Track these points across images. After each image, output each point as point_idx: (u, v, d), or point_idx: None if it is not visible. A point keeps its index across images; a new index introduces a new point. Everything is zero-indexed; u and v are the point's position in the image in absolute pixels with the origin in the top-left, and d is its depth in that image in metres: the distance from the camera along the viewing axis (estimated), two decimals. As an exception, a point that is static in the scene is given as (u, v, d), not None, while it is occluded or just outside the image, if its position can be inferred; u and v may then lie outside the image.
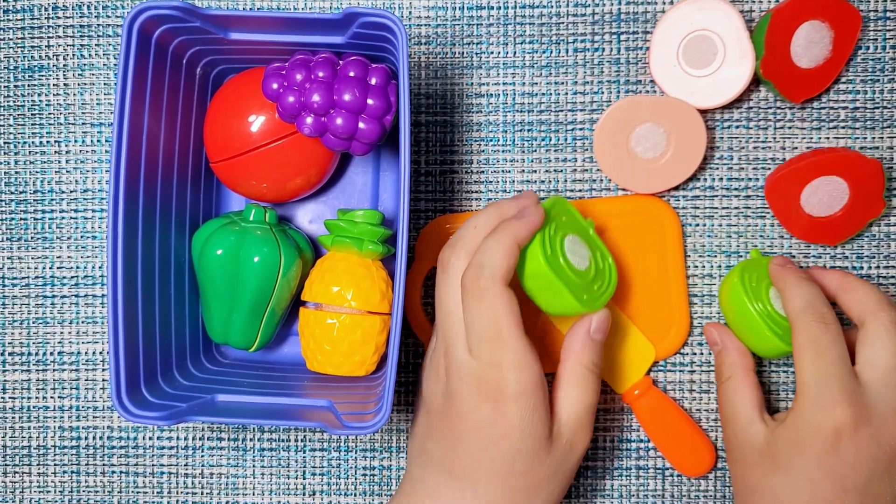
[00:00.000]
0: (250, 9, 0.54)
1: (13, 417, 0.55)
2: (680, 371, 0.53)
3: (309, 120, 0.45)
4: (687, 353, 0.53)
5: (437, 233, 0.53)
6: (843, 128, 0.52)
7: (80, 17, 0.54)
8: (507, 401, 0.42)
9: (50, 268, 0.54)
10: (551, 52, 0.53)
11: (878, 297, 0.46)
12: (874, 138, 0.52)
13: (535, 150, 0.53)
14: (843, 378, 0.44)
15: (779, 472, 0.45)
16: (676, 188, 0.53)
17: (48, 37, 0.54)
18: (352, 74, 0.45)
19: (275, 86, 0.46)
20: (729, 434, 0.48)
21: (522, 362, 0.42)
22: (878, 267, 0.53)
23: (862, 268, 0.53)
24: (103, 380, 0.55)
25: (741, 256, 0.53)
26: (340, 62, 0.46)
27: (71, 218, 0.54)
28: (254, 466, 0.54)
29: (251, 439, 0.54)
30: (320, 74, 0.45)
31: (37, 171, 0.54)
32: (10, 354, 0.55)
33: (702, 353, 0.53)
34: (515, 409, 0.42)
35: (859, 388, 0.44)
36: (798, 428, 0.44)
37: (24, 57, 0.54)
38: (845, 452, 0.43)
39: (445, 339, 0.44)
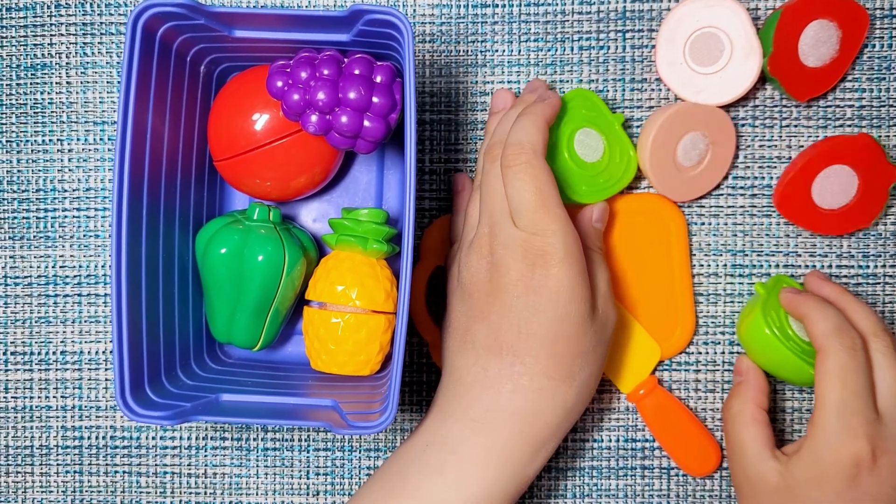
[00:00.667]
0: (255, 6, 0.53)
1: (16, 417, 0.55)
2: (685, 370, 0.53)
3: (314, 118, 0.45)
4: (692, 353, 0.53)
5: (441, 232, 0.52)
6: (850, 126, 0.52)
7: (83, 14, 0.53)
8: (554, 265, 0.43)
9: (53, 267, 0.54)
10: (556, 51, 0.53)
11: (876, 320, 0.46)
12: (880, 136, 0.52)
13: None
14: (865, 409, 0.43)
15: None
16: (682, 187, 0.53)
17: (51, 35, 0.54)
18: (357, 72, 0.45)
19: (279, 83, 0.45)
20: (737, 469, 0.48)
21: (566, 228, 0.43)
22: (884, 265, 0.52)
23: (868, 266, 0.52)
24: (106, 379, 0.54)
25: (746, 255, 0.53)
26: (345, 60, 0.46)
27: (74, 217, 0.54)
28: (257, 466, 0.54)
29: (255, 439, 0.54)
30: (325, 72, 0.44)
31: (39, 170, 0.54)
32: (12, 354, 0.54)
33: (707, 353, 0.53)
34: (563, 272, 0.43)
35: (877, 420, 0.44)
36: (816, 461, 0.44)
37: (26, 55, 0.54)
38: (865, 484, 0.43)
39: (491, 216, 0.45)
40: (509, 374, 0.44)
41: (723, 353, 0.53)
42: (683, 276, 0.52)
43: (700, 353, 0.53)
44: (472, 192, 0.49)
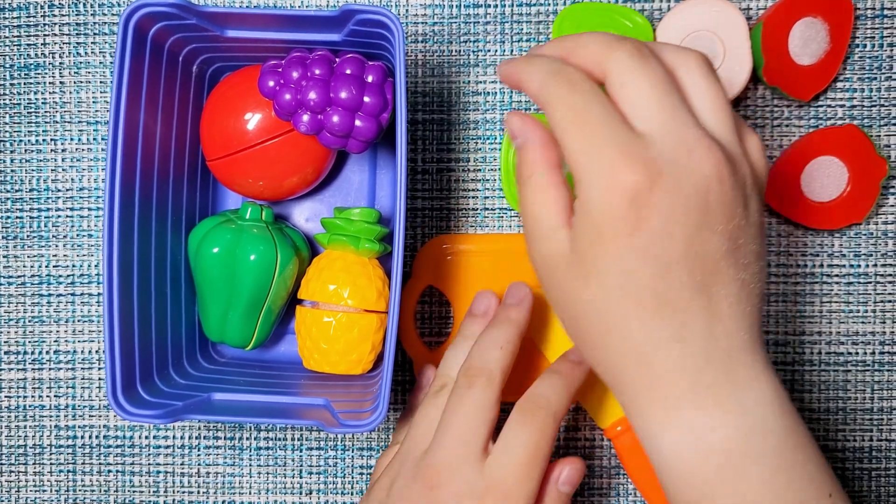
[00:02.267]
0: (248, 6, 0.53)
1: (9, 416, 0.55)
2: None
3: (305, 118, 0.45)
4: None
5: (434, 253, 0.52)
6: (841, 126, 0.52)
7: (76, 14, 0.54)
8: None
9: (46, 266, 0.54)
10: (548, 50, 0.53)
11: (606, 37, 0.37)
12: (872, 136, 0.52)
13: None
14: (616, 135, 0.34)
15: (590, 280, 0.36)
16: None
17: (44, 34, 0.54)
18: (348, 72, 0.45)
19: (271, 83, 0.45)
20: (532, 249, 0.39)
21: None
22: (875, 265, 0.53)
23: (860, 265, 0.53)
24: (99, 378, 0.54)
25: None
26: (337, 60, 0.46)
27: (67, 216, 0.54)
28: (250, 465, 0.54)
29: (248, 438, 0.54)
30: (317, 72, 0.45)
31: (33, 170, 0.54)
32: (5, 353, 0.54)
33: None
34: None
35: (637, 140, 0.35)
36: (589, 216, 0.35)
37: (19, 55, 0.54)
38: (650, 222, 0.34)
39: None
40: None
41: (714, 351, 0.53)
42: None
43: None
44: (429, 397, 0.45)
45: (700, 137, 0.34)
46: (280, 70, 0.46)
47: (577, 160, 0.35)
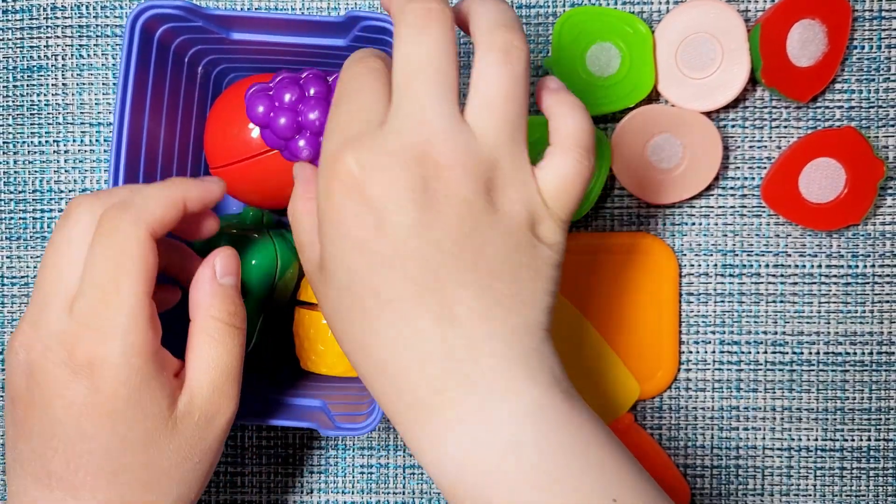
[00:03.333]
0: (256, 9, 0.54)
1: (12, 416, 0.55)
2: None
3: (302, 143, 0.44)
4: (683, 352, 0.53)
5: None
6: (839, 127, 0.52)
7: (79, 17, 0.54)
8: (105, 375, 0.34)
9: (49, 267, 0.54)
10: (548, 52, 0.53)
11: (497, 12, 0.34)
12: (869, 137, 0.52)
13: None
14: (358, 127, 0.33)
15: (328, 283, 0.34)
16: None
17: (47, 37, 0.54)
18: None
19: (261, 109, 0.44)
20: (304, 266, 0.37)
21: (130, 325, 0.34)
22: (873, 265, 0.53)
23: (857, 266, 0.53)
24: (102, 379, 0.55)
25: (737, 255, 0.53)
26: (329, 79, 0.45)
27: (70, 217, 0.54)
28: (252, 464, 0.54)
29: (249, 437, 0.54)
30: (312, 91, 0.44)
31: (36, 171, 0.54)
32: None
33: (697, 352, 0.53)
34: (118, 386, 0.34)
35: (380, 132, 0.32)
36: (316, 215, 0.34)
37: (22, 57, 0.54)
38: (360, 217, 0.32)
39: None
40: None
41: (713, 352, 0.53)
42: (671, 319, 0.52)
43: (690, 352, 0.53)
44: None
45: (448, 137, 0.32)
46: (271, 93, 0.44)
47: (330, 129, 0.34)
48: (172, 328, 0.39)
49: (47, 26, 0.54)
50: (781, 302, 0.53)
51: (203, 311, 0.37)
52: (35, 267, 0.54)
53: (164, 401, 0.35)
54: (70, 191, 0.54)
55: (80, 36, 0.54)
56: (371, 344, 0.33)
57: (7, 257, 0.54)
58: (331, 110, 0.34)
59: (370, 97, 0.34)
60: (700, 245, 0.53)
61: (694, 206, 0.53)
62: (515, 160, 0.33)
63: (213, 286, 0.38)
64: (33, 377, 0.35)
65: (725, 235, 0.53)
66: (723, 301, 0.53)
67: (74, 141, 0.54)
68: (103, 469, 0.35)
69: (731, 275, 0.53)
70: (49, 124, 0.54)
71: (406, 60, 0.32)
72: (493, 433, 0.32)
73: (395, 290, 0.32)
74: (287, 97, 0.44)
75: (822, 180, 0.51)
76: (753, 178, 0.53)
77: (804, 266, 0.53)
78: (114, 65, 0.54)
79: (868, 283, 0.53)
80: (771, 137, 0.53)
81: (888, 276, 0.53)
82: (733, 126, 0.53)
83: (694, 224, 0.53)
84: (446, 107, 0.32)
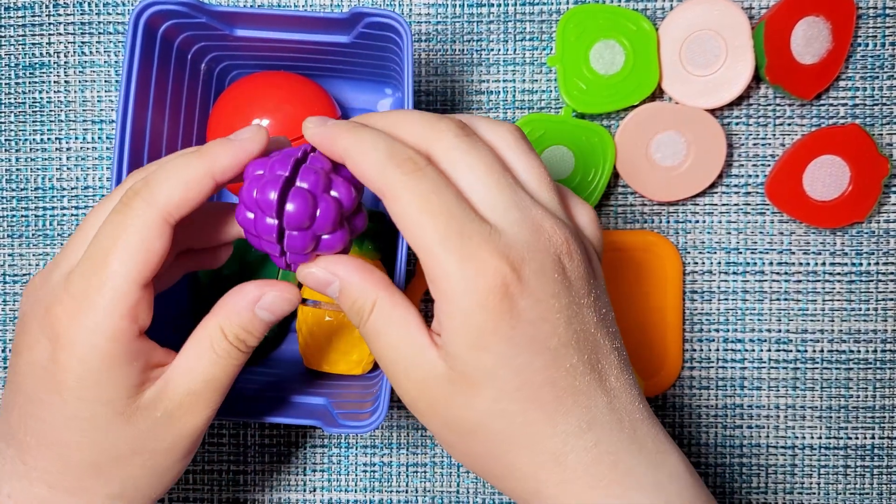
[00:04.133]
0: (259, 5, 0.54)
1: (14, 414, 0.55)
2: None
3: (327, 236, 0.34)
4: (687, 350, 0.53)
5: None
6: (843, 125, 0.52)
7: (81, 14, 0.54)
8: (66, 347, 0.33)
9: (51, 265, 0.54)
10: (551, 50, 0.53)
11: (426, 116, 0.34)
12: (873, 135, 0.52)
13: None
14: (471, 224, 0.31)
15: (480, 390, 0.32)
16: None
17: (49, 34, 0.54)
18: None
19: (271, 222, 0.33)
20: (402, 383, 0.34)
21: (107, 307, 0.33)
22: (877, 263, 0.53)
23: (861, 264, 0.53)
24: (104, 376, 0.54)
25: (741, 253, 0.53)
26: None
27: (72, 215, 0.54)
28: (254, 463, 0.54)
29: (252, 435, 0.54)
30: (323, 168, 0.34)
31: (38, 168, 0.54)
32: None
33: (701, 350, 0.53)
34: (75, 362, 0.33)
35: (490, 228, 0.32)
36: (462, 321, 0.31)
37: (24, 54, 0.54)
38: (527, 312, 0.31)
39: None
40: (13, 470, 0.35)
41: (717, 350, 0.53)
42: (675, 317, 0.52)
43: (695, 350, 0.53)
44: None
45: (544, 216, 0.33)
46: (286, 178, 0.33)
47: (431, 253, 0.31)
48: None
49: (50, 23, 0.54)
50: (785, 300, 0.53)
51: (219, 319, 0.35)
52: (37, 265, 0.54)
53: (125, 390, 0.34)
54: (72, 188, 0.54)
55: (82, 33, 0.54)
56: (544, 438, 0.33)
57: (9, 255, 0.54)
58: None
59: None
60: (704, 243, 0.53)
61: (698, 204, 0.53)
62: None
63: (247, 309, 0.35)
64: (21, 324, 0.35)
65: (729, 233, 0.53)
66: (726, 299, 0.53)
67: (77, 138, 0.54)
68: (48, 439, 0.34)
69: (734, 272, 0.53)
70: (51, 121, 0.54)
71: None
72: (659, 496, 0.33)
73: (570, 376, 0.32)
74: (306, 185, 0.33)
75: (827, 178, 0.51)
76: (757, 176, 0.53)
77: (808, 264, 0.53)
78: (116, 62, 0.54)
79: (872, 280, 0.53)
80: (775, 135, 0.53)
81: (892, 273, 0.53)
82: (737, 123, 0.53)
83: (698, 222, 0.53)
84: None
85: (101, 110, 0.54)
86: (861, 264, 0.53)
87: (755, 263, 0.53)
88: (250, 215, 0.34)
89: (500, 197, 0.32)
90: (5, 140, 0.54)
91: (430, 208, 0.31)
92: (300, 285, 0.36)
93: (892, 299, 0.53)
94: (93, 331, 0.33)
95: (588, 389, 0.33)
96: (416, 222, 0.31)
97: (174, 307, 0.48)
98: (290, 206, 0.32)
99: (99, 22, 0.54)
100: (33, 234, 0.54)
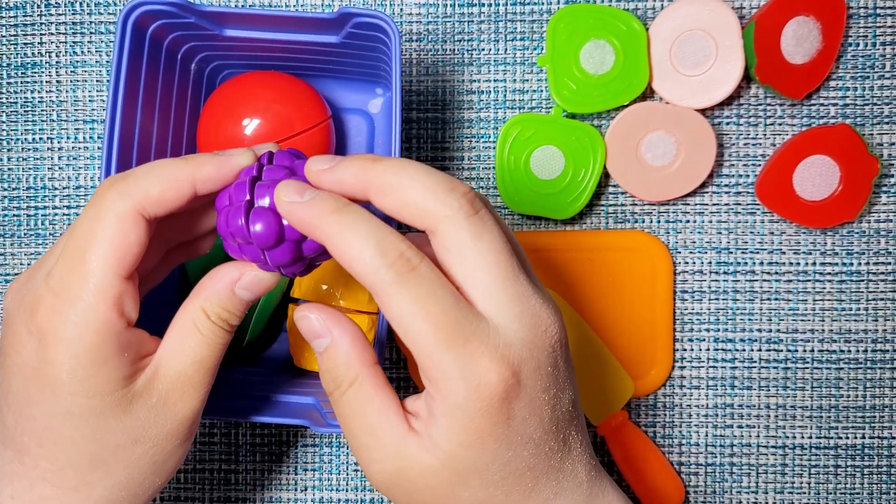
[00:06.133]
0: (248, 6, 0.54)
1: (6, 413, 0.55)
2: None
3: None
4: (678, 350, 0.53)
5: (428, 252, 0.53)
6: (833, 125, 0.52)
7: (73, 14, 0.54)
8: (54, 344, 0.33)
9: (42, 264, 0.54)
10: (542, 50, 0.53)
11: (438, 191, 0.32)
12: (863, 134, 0.52)
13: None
14: (468, 324, 0.31)
15: (469, 483, 0.33)
16: (667, 185, 0.53)
17: (41, 34, 0.54)
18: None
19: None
20: (375, 468, 0.34)
21: (91, 300, 0.33)
22: (867, 263, 0.53)
23: (852, 264, 0.53)
24: (96, 376, 0.54)
25: (731, 252, 0.53)
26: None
27: (63, 214, 0.54)
28: (245, 462, 0.54)
29: (243, 435, 0.54)
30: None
31: (29, 168, 0.54)
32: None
33: (692, 349, 0.53)
34: (65, 357, 0.33)
35: (488, 326, 0.31)
36: (457, 420, 0.32)
37: (16, 54, 0.54)
38: (523, 411, 0.32)
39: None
40: (11, 471, 0.35)
41: (707, 349, 0.53)
42: (665, 316, 0.53)
43: (685, 349, 0.53)
44: None
45: (542, 306, 0.33)
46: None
47: (432, 360, 0.31)
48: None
49: (41, 23, 0.54)
50: (776, 299, 0.53)
51: (200, 300, 0.35)
52: (28, 264, 0.54)
53: (118, 382, 0.34)
54: (64, 188, 0.54)
55: (73, 33, 0.54)
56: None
57: (0, 254, 0.54)
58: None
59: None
60: (694, 242, 0.53)
61: (688, 204, 0.53)
62: None
63: (227, 289, 0.35)
64: (6, 326, 0.35)
65: (720, 233, 0.53)
66: (717, 298, 0.53)
67: (68, 138, 0.54)
68: (45, 438, 0.34)
69: (725, 272, 0.53)
70: (43, 121, 0.54)
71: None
72: None
73: (547, 458, 0.34)
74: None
75: (817, 178, 0.51)
76: (748, 176, 0.53)
77: (798, 263, 0.53)
78: (108, 62, 0.54)
79: (862, 280, 0.53)
80: (765, 135, 0.53)
81: (882, 273, 0.53)
82: (727, 123, 0.53)
83: (688, 222, 0.53)
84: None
85: (93, 110, 0.54)
86: (851, 264, 0.53)
87: (746, 263, 0.53)
88: (234, 244, 0.34)
89: (503, 290, 0.32)
90: (-3, 140, 0.54)
91: (426, 312, 0.31)
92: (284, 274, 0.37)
93: (882, 299, 0.53)
94: (79, 324, 0.33)
95: (560, 465, 0.34)
96: (413, 327, 0.31)
97: (167, 304, 0.48)
98: (255, 229, 0.32)
99: (90, 22, 0.54)
100: (25, 234, 0.54)
